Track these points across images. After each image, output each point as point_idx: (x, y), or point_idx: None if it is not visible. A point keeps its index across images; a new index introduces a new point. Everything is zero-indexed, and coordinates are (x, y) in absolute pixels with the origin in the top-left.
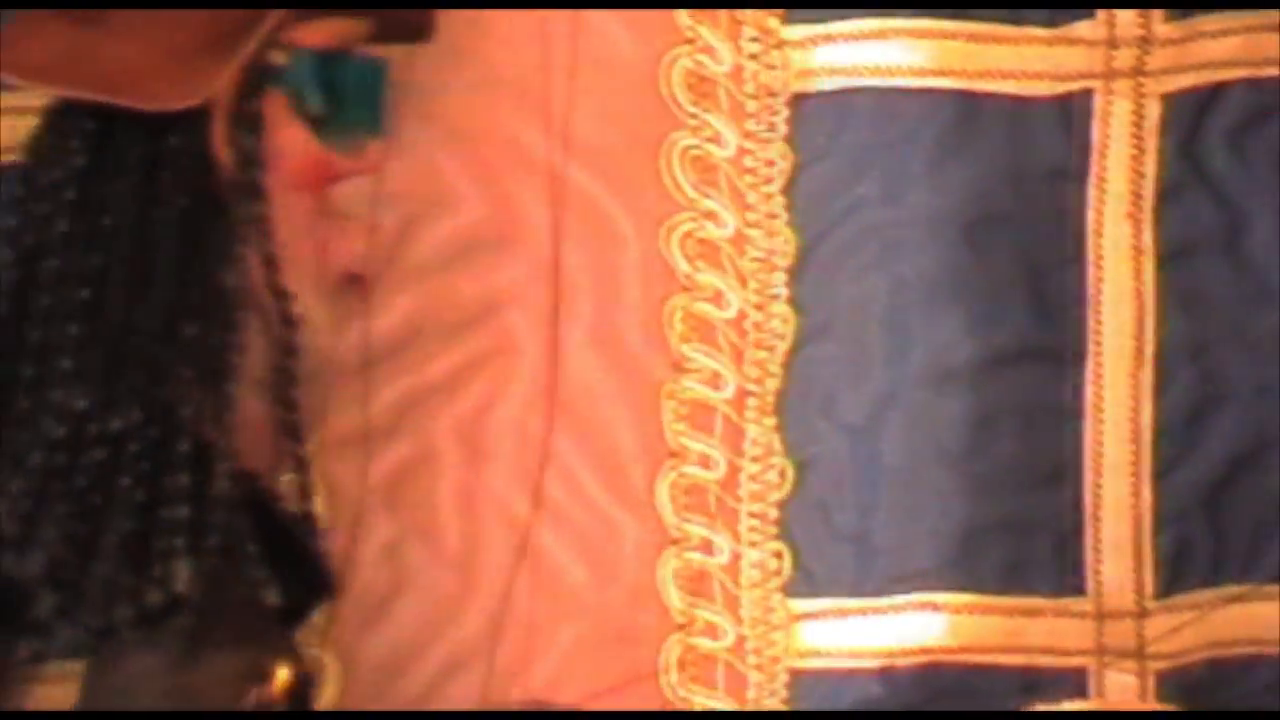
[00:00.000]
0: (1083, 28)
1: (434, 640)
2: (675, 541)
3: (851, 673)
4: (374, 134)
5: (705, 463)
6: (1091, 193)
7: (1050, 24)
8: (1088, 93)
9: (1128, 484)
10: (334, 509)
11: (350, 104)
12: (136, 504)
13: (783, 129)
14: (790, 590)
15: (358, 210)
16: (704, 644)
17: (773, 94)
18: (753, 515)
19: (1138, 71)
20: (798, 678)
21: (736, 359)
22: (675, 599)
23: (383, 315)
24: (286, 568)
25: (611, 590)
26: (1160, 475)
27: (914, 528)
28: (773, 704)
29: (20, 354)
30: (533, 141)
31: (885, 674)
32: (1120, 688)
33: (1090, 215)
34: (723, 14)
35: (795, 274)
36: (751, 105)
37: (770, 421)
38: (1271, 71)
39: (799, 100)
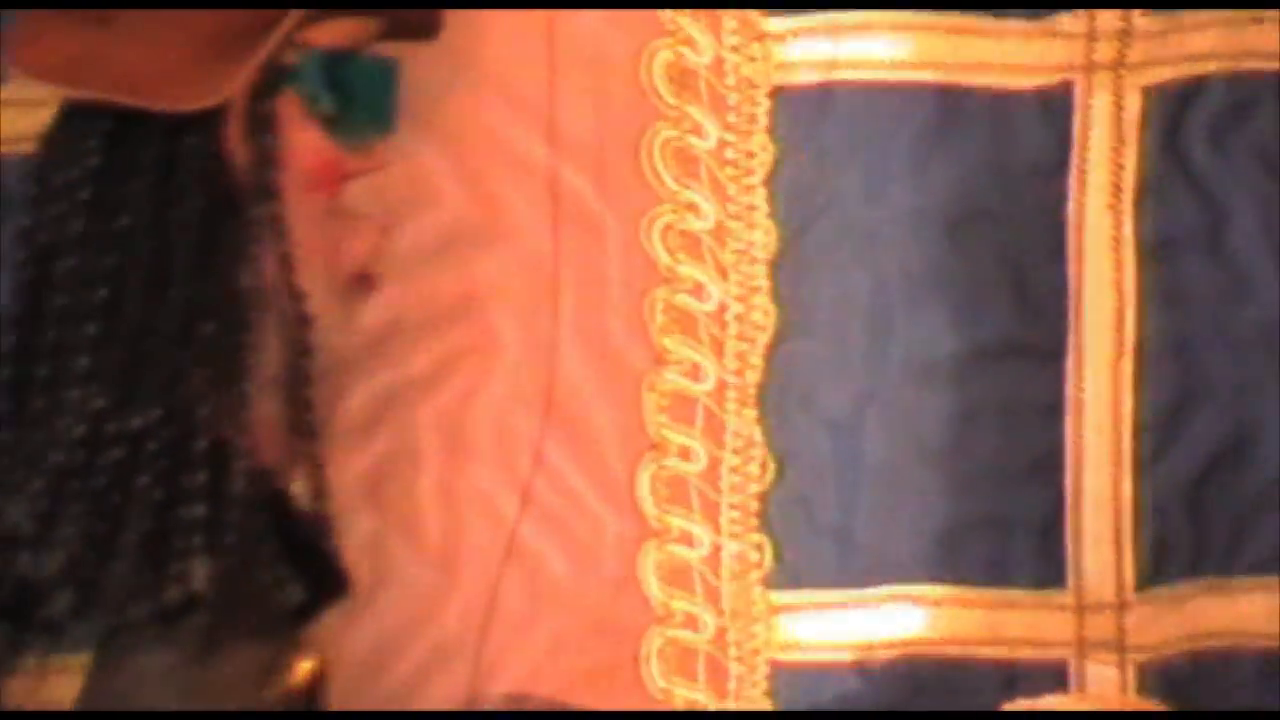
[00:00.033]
0: (1063, 20)
1: (416, 635)
2: (656, 534)
3: (832, 665)
4: (384, 133)
5: (686, 455)
6: (1072, 186)
7: (1031, 17)
8: (1068, 85)
9: (1109, 477)
10: None
11: (360, 103)
12: (154, 502)
13: (763, 121)
14: (770, 582)
15: (367, 209)
16: (685, 636)
17: (754, 86)
18: (733, 507)
19: (1118, 64)
20: (778, 670)
21: (717, 351)
22: (656, 590)
23: (364, 310)
24: (300, 565)
25: (592, 582)
26: (1141, 469)
27: (896, 522)
28: (754, 695)
29: (35, 354)
30: (515, 136)
31: (865, 667)
32: (1100, 680)
33: (1071, 208)
34: None
35: (776, 267)
36: (732, 97)
37: (751, 414)
38: (1252, 65)
39: (780, 92)
